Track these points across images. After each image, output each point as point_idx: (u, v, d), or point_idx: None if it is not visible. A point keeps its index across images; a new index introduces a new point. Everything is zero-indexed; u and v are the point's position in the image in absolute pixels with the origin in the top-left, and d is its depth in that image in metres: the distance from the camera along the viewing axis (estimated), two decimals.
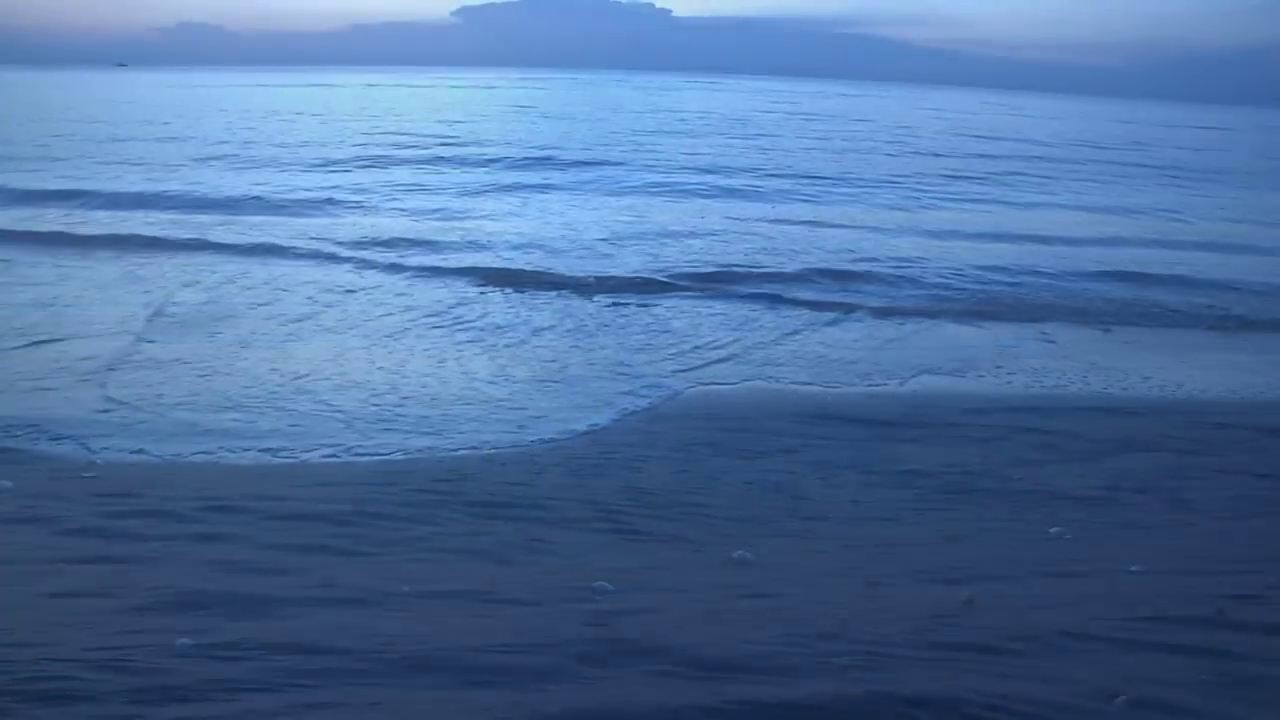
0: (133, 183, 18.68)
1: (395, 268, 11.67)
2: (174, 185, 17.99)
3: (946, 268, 12.58)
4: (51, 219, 14.37)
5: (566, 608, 3.86)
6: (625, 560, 4.25)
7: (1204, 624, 3.92)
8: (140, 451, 5.36)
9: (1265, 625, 3.94)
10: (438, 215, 15.60)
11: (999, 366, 7.88)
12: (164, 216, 14.83)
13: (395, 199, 17.73)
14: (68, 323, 8.11)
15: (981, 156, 31.62)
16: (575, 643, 3.65)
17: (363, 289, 10.40)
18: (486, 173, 21.59)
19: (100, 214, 14.95)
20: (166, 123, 33.61)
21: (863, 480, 5.28)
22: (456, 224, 14.57)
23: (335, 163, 22.05)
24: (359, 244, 13.11)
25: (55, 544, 4.18)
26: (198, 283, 10.23)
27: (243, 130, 29.49)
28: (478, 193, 18.64)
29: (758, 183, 22.05)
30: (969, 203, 20.83)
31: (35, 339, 7.43)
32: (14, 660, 3.00)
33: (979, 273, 12.42)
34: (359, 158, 23.03)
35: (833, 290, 11.24)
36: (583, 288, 10.56)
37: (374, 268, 11.73)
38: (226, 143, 27.02)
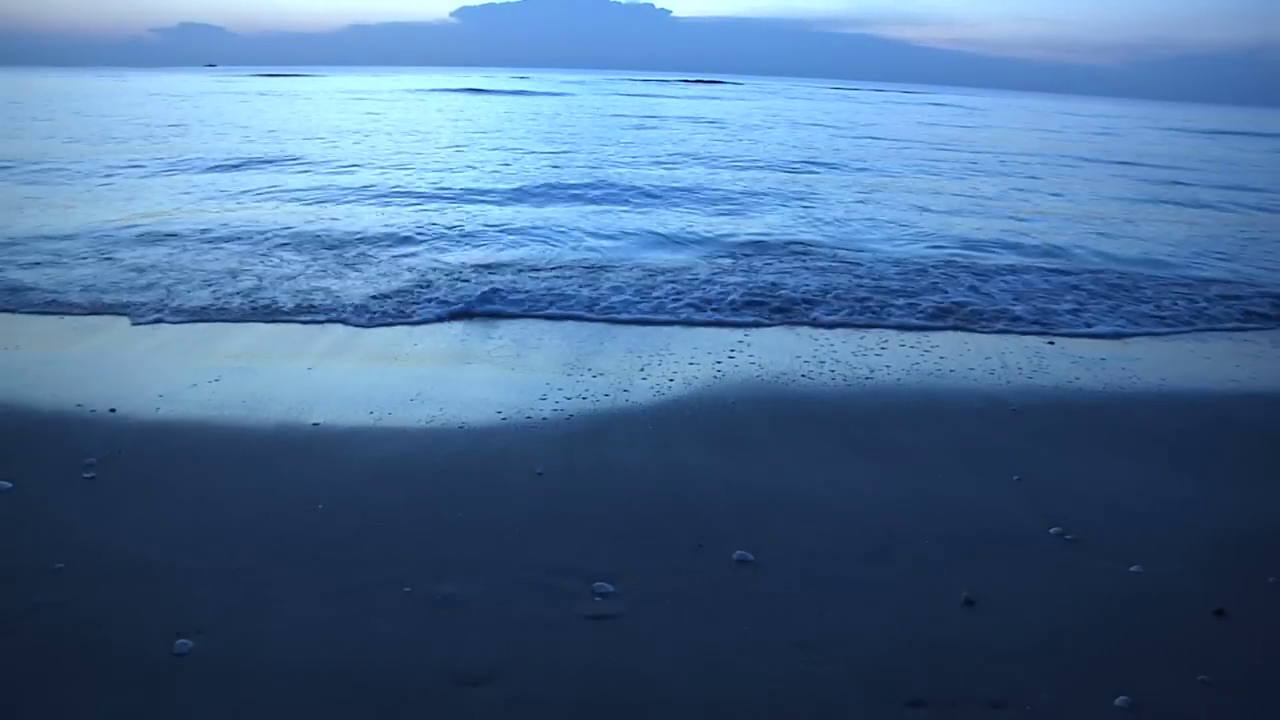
0: None
1: None
2: None
3: None
4: None
5: (567, 608, 3.86)
6: (625, 560, 4.25)
7: (1204, 624, 3.93)
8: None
9: (1265, 625, 3.95)
10: None
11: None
12: None
13: None
14: None
15: None
16: (575, 643, 3.65)
17: None
18: None
19: None
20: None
21: (861, 476, 5.27)
22: None
23: None
24: None
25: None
26: None
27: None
28: None
29: None
30: None
31: None
32: None
33: None
34: None
35: None
36: None
37: None
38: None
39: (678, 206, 16.15)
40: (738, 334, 8.45)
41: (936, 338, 8.56)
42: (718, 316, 8.97)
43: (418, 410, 6.16)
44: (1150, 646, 3.74)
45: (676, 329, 8.59)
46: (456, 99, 56.26)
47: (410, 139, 28.13)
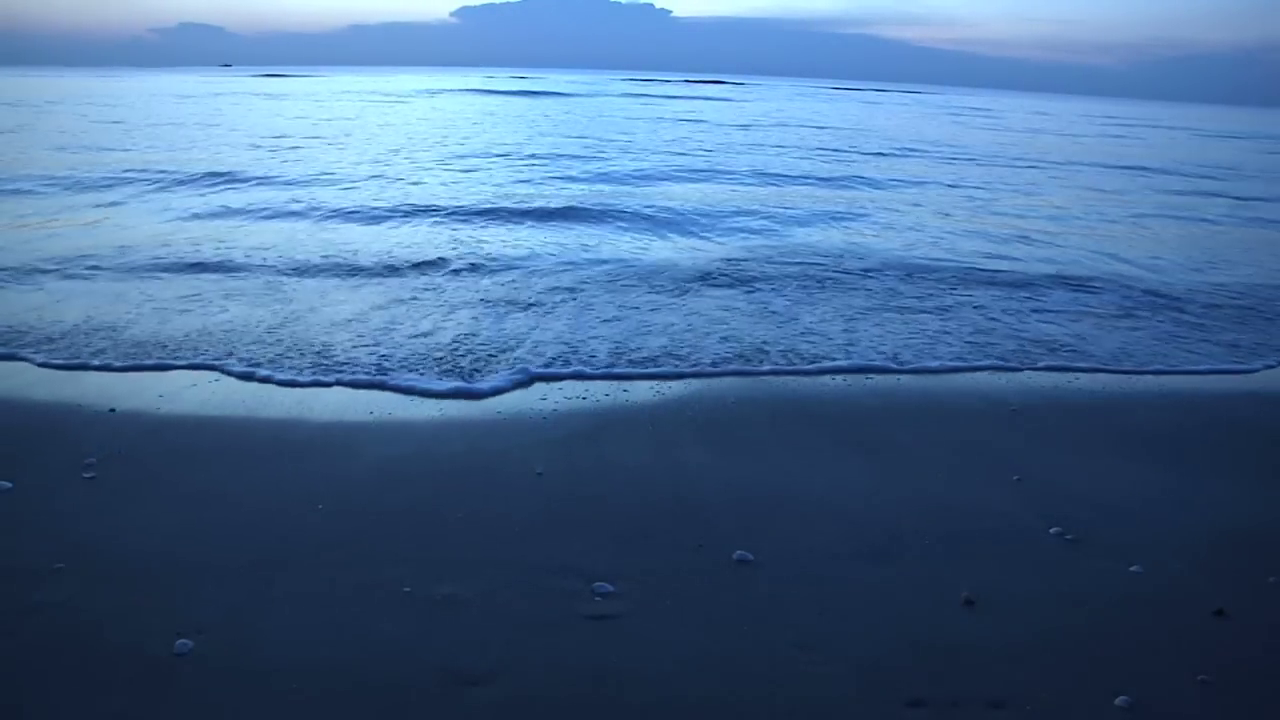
0: None
1: None
2: None
3: None
4: None
5: (567, 608, 3.86)
6: (625, 560, 4.25)
7: (1204, 624, 3.93)
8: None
9: (1265, 625, 3.95)
10: None
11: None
12: None
13: None
14: None
15: None
16: (575, 643, 3.65)
17: None
18: None
19: None
20: None
21: (861, 476, 5.27)
22: None
23: None
24: None
25: None
26: None
27: None
28: None
29: None
30: None
31: None
32: None
33: None
34: None
35: None
36: None
37: None
38: None
39: (733, 231, 14.01)
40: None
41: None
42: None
43: (418, 410, 6.16)
44: (1150, 646, 3.74)
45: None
46: (473, 100, 54.57)
47: (440, 144, 26.22)
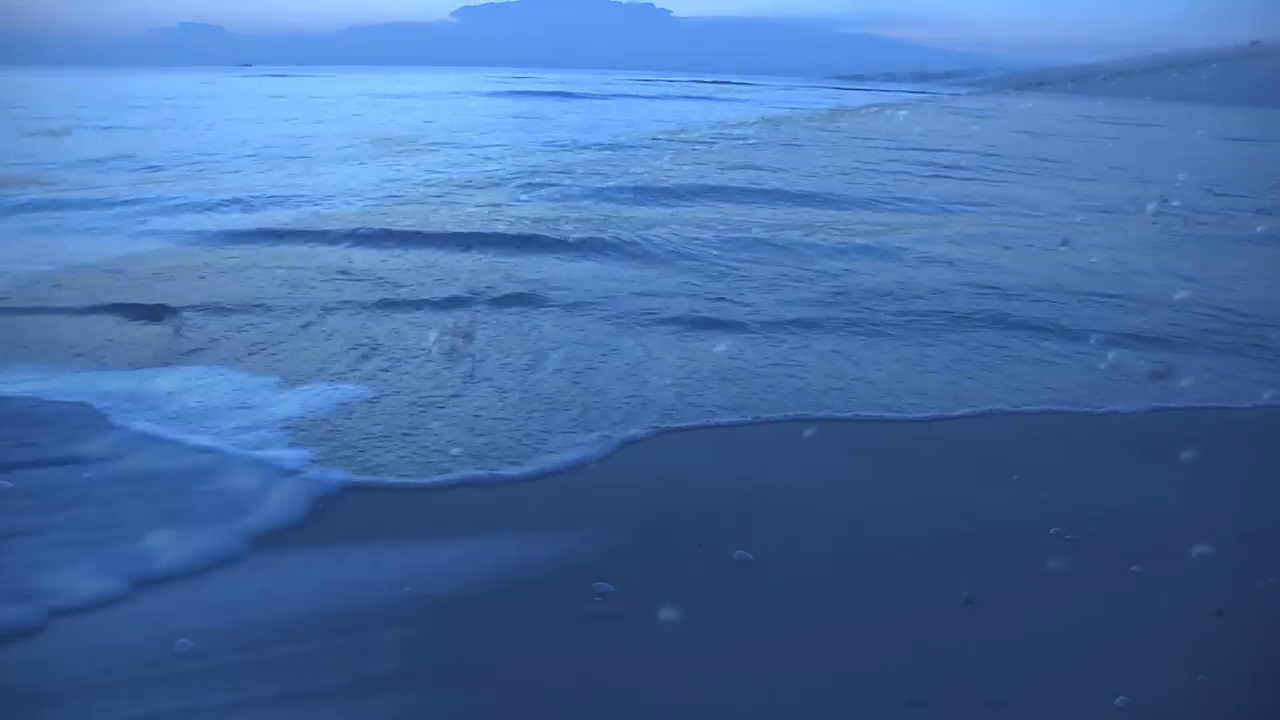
0: None
1: None
2: None
3: None
4: None
5: (567, 608, 3.87)
6: (626, 560, 4.25)
7: (1202, 623, 3.93)
8: None
9: (1265, 625, 3.94)
10: None
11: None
12: None
13: None
14: None
15: None
16: (575, 643, 3.66)
17: None
18: None
19: None
20: None
21: (861, 476, 5.28)
22: None
23: None
24: None
25: None
26: None
27: None
28: None
29: None
30: None
31: None
32: None
33: None
34: None
35: None
36: None
37: None
38: None
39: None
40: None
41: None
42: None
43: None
44: (1150, 646, 3.74)
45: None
46: (486, 102, 49.28)
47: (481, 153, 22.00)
